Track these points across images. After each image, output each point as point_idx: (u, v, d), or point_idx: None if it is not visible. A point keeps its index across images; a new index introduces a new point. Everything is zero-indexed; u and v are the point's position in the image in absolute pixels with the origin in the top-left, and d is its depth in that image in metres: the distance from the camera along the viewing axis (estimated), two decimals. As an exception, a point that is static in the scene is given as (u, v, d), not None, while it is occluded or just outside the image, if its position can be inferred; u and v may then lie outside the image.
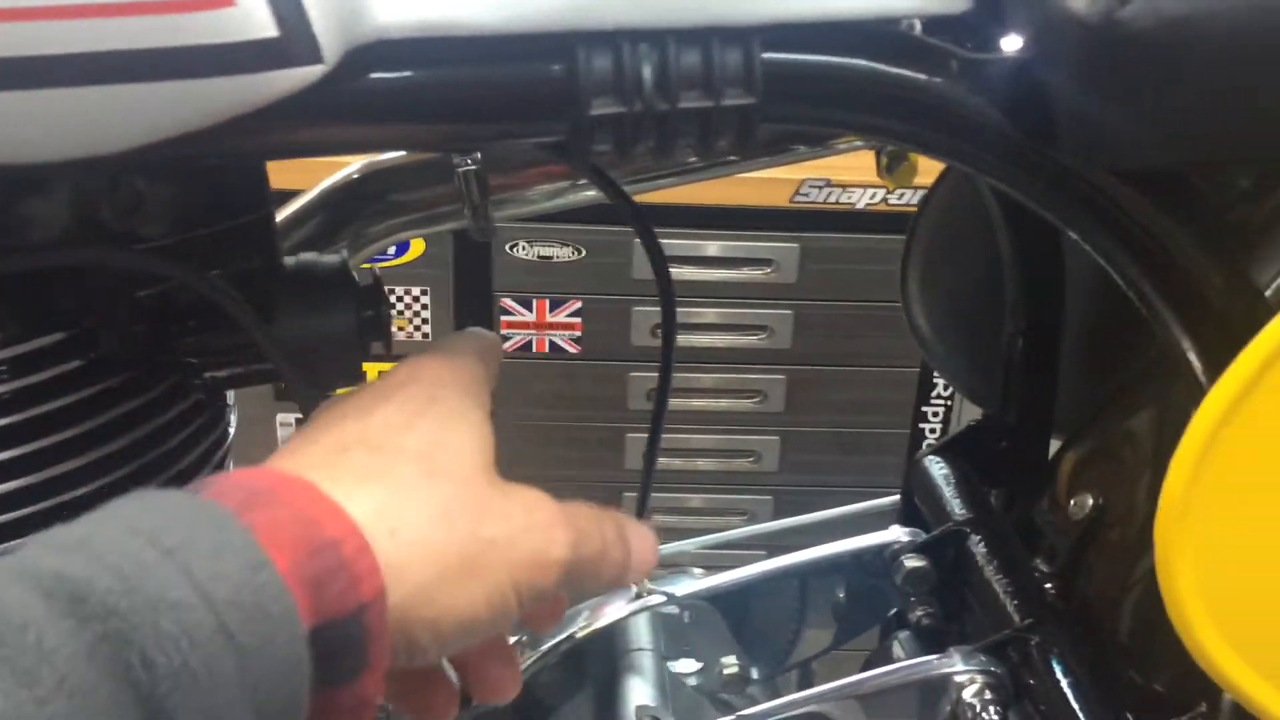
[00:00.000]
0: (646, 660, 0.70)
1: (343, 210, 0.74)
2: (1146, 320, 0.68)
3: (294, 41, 0.39)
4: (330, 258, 0.59)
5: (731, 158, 0.78)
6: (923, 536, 0.71)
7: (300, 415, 1.69)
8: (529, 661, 0.75)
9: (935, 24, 0.47)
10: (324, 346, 0.56)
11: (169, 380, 0.54)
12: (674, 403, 2.00)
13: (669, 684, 0.70)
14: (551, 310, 1.77)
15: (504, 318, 1.78)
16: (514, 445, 1.84)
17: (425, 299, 1.74)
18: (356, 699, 0.36)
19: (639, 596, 0.73)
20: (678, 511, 1.88)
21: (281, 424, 1.79)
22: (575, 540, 0.43)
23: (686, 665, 0.72)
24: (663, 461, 2.05)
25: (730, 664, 0.71)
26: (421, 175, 0.75)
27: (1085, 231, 0.46)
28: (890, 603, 0.75)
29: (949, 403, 1.88)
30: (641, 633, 0.72)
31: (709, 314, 1.78)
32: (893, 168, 0.78)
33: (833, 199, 1.72)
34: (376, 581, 0.36)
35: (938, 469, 0.76)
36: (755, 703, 0.67)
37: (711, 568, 0.79)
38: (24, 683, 0.28)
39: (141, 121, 0.38)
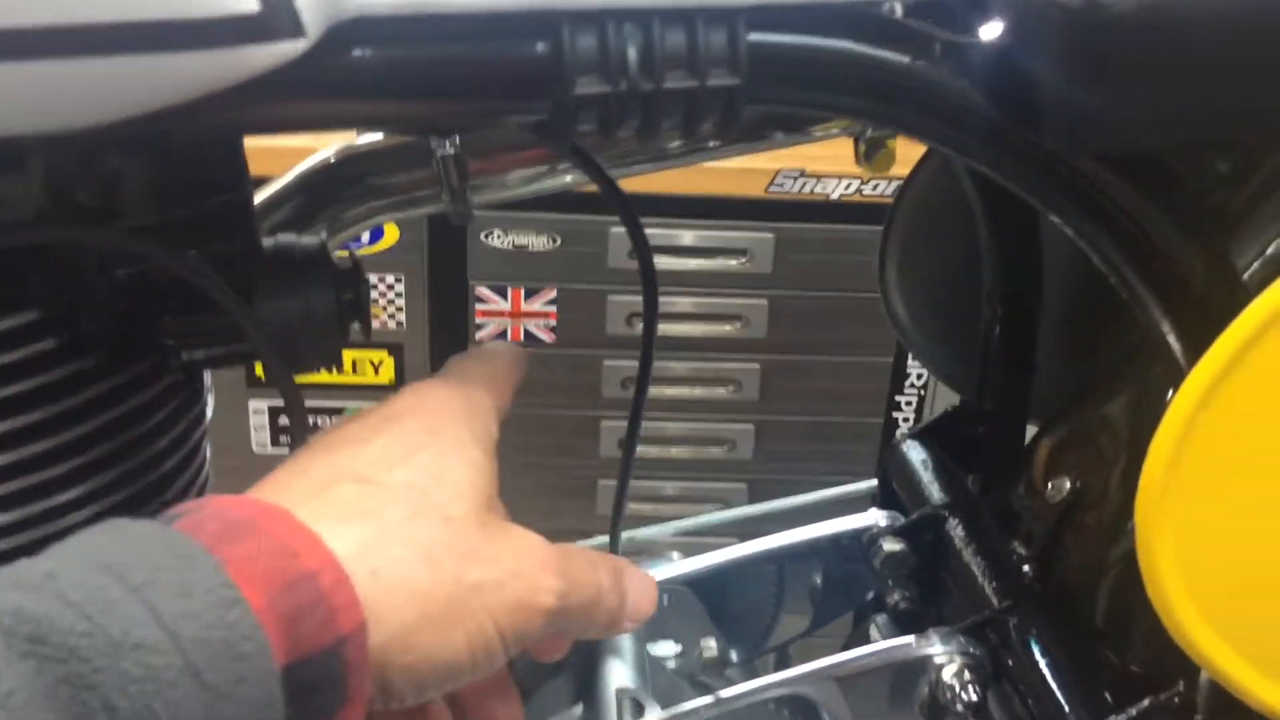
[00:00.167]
0: (625, 643, 0.70)
1: (320, 193, 0.73)
2: (1123, 307, 0.69)
3: (275, 16, 0.38)
4: (309, 240, 0.58)
5: (711, 144, 0.78)
6: (901, 520, 0.72)
7: (274, 404, 1.67)
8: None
9: (918, 7, 0.47)
10: (303, 328, 0.55)
11: (145, 361, 0.53)
12: (649, 391, 2.01)
13: (648, 666, 0.70)
14: (526, 299, 1.77)
15: (479, 306, 1.77)
16: (488, 434, 1.83)
17: (400, 286, 1.73)
18: None
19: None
20: (652, 499, 1.88)
21: (254, 411, 1.77)
22: (565, 589, 0.42)
23: (665, 648, 0.72)
24: (638, 449, 2.06)
25: (709, 647, 0.71)
26: (399, 159, 0.74)
27: (1067, 215, 0.47)
28: (867, 587, 0.75)
29: (922, 392, 1.89)
30: (620, 617, 0.72)
31: (684, 303, 1.78)
32: (870, 155, 0.79)
33: (807, 189, 1.72)
34: (356, 614, 0.36)
35: (915, 454, 0.76)
36: (734, 685, 0.67)
37: (688, 554, 0.79)
38: None
39: (119, 96, 0.37)
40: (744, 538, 0.76)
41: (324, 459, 0.41)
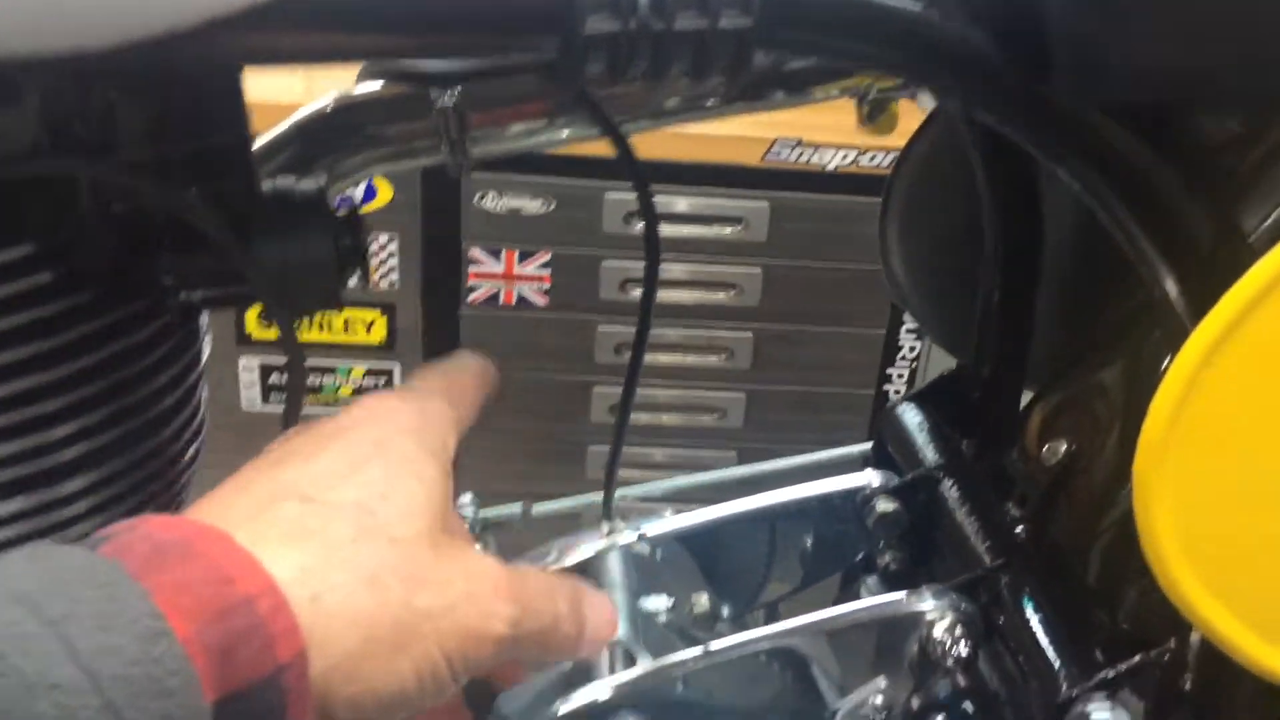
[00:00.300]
0: (618, 596, 0.70)
1: (316, 142, 0.72)
2: (1121, 274, 0.69)
3: (281, -57, 0.38)
4: (308, 184, 0.58)
5: (710, 102, 0.77)
6: (895, 480, 0.72)
7: (264, 362, 1.66)
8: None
9: (931, -46, 0.47)
10: (301, 272, 0.55)
11: (142, 300, 0.53)
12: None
13: (639, 620, 0.70)
14: (520, 262, 1.76)
15: (472, 268, 1.76)
16: (479, 397, 1.83)
17: (393, 246, 1.73)
18: None
19: (610, 534, 0.73)
20: (641, 466, 1.88)
21: (244, 369, 1.77)
22: (519, 616, 0.40)
23: (657, 602, 0.72)
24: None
25: (700, 602, 0.72)
26: (397, 109, 0.73)
27: (1073, 169, 0.46)
28: (858, 548, 0.75)
29: (914, 365, 1.89)
30: (612, 569, 0.72)
31: (677, 270, 1.78)
32: (873, 116, 0.78)
33: (804, 159, 1.72)
34: (295, 641, 0.34)
35: (910, 417, 0.76)
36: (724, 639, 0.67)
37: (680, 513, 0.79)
38: None
39: (122, 17, 0.37)
40: (737, 499, 0.77)
41: (267, 475, 0.39)
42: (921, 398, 0.78)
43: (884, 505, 0.71)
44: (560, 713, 0.62)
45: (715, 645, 0.63)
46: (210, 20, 0.38)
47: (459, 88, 0.70)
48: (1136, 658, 0.54)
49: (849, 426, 1.87)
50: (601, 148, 1.85)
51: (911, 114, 0.81)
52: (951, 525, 0.68)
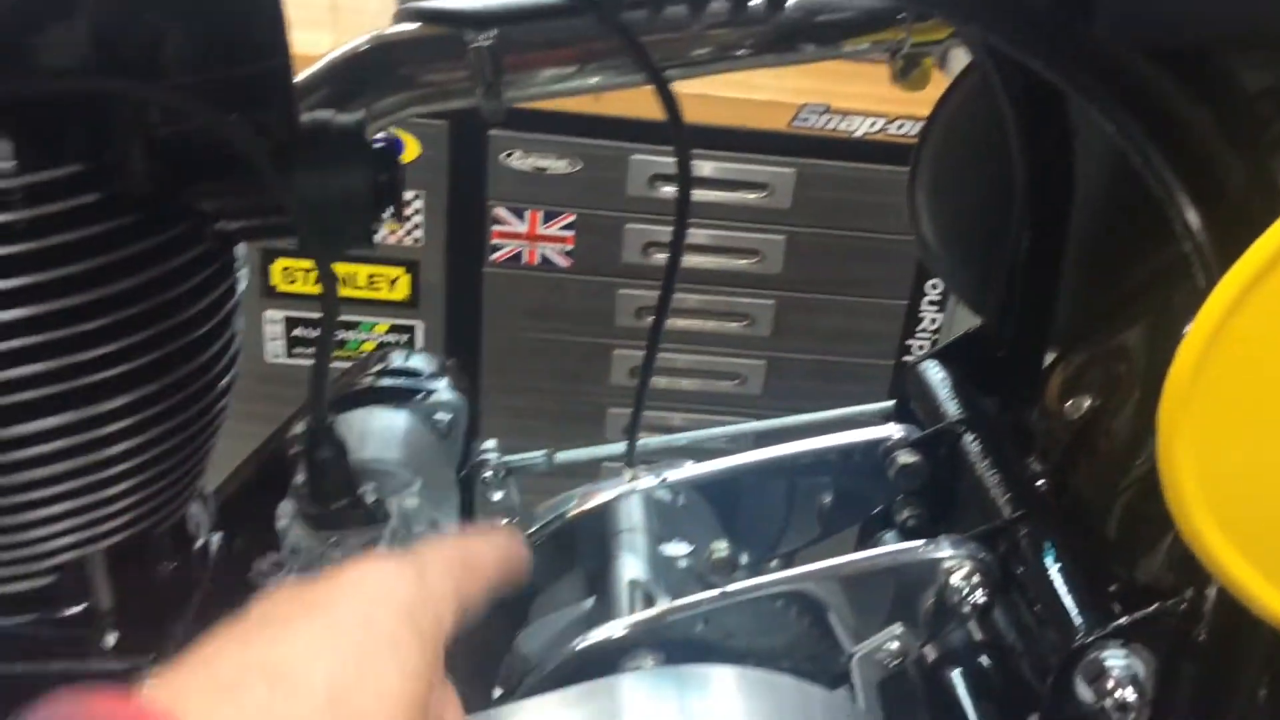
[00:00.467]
0: (638, 539, 0.71)
1: (352, 82, 0.73)
2: (1149, 234, 0.69)
3: None
4: (346, 117, 0.58)
5: (740, 51, 0.77)
6: (917, 433, 0.72)
7: (289, 314, 1.67)
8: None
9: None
10: (338, 205, 0.56)
11: (181, 226, 0.53)
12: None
13: (660, 564, 0.71)
14: (544, 222, 1.77)
15: (495, 227, 1.77)
16: (501, 356, 1.84)
17: (418, 204, 1.73)
18: None
19: (631, 480, 0.74)
20: (660, 430, 1.88)
21: (269, 322, 1.78)
22: None
23: (677, 548, 0.73)
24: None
25: (720, 548, 0.72)
26: (432, 49, 0.74)
27: (1109, 110, 0.46)
28: (877, 502, 0.76)
29: (936, 337, 1.89)
30: (633, 513, 0.73)
31: (700, 235, 1.78)
32: (906, 72, 0.78)
33: (831, 125, 1.71)
34: None
35: (934, 373, 0.77)
36: (742, 584, 0.68)
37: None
38: None
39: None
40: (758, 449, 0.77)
41: (236, 648, 0.36)
42: (945, 355, 0.78)
43: (905, 457, 0.72)
44: (578, 648, 0.63)
45: (731, 587, 0.64)
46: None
47: (495, 30, 0.70)
48: (1153, 606, 0.55)
49: (869, 396, 1.86)
50: (629, 108, 1.84)
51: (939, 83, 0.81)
52: (972, 478, 0.68)
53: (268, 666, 0.35)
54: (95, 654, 0.61)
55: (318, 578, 0.40)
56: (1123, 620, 0.55)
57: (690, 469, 0.75)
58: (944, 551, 0.62)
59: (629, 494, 0.74)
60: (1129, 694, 0.53)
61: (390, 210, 0.59)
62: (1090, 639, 0.55)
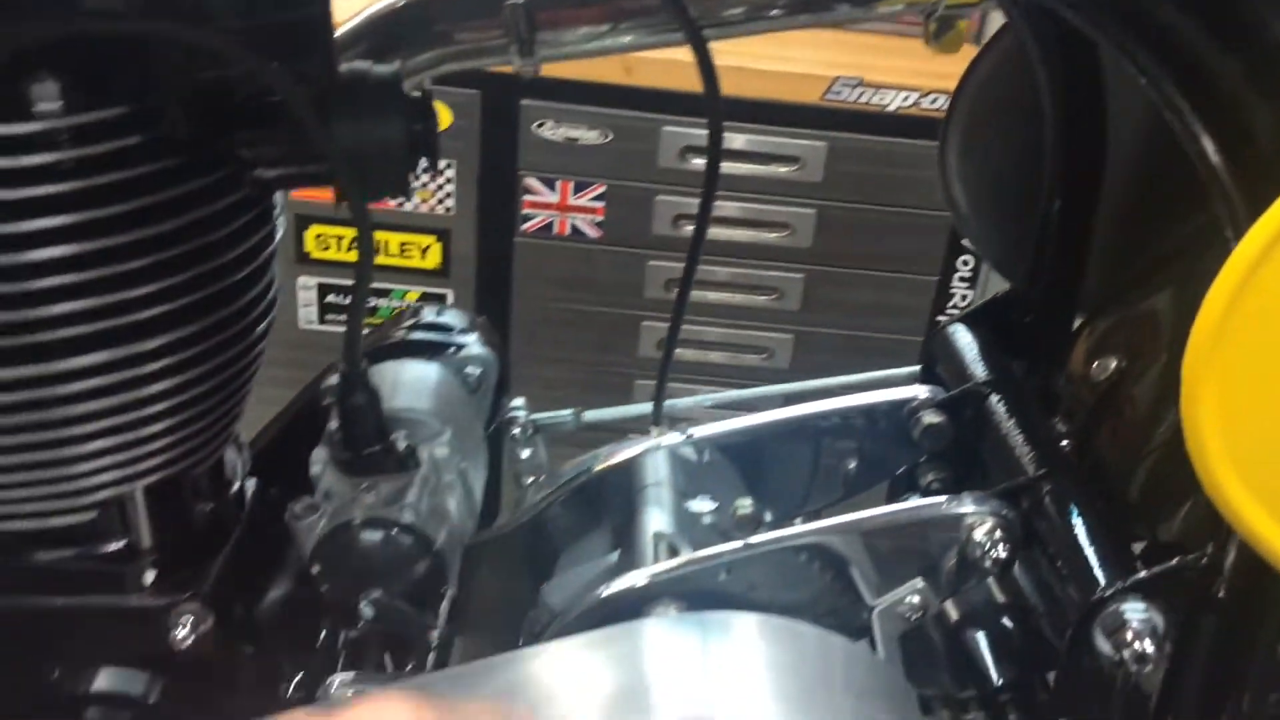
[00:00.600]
0: (664, 494, 0.72)
1: (388, 36, 0.74)
2: (1178, 200, 0.69)
3: None
4: (383, 68, 0.59)
5: (774, 11, 0.77)
6: (943, 394, 0.73)
7: (323, 281, 1.69)
8: (545, 494, 0.77)
9: None
10: (374, 154, 0.57)
11: (221, 171, 0.55)
12: (689, 296, 2.00)
13: (685, 519, 0.72)
14: (575, 193, 1.77)
15: (526, 197, 1.78)
16: (530, 326, 1.85)
17: (450, 172, 1.74)
18: None
19: (658, 436, 0.75)
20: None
21: (303, 288, 1.80)
22: None
23: (702, 504, 0.73)
24: (676, 353, 2.06)
25: (744, 505, 0.73)
26: (468, 7, 0.74)
27: (1136, 57, 0.46)
28: (902, 463, 0.76)
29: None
30: (659, 469, 0.74)
31: (731, 208, 1.78)
32: (940, 35, 0.78)
33: (864, 99, 1.71)
34: None
35: (961, 336, 0.77)
36: (766, 540, 0.68)
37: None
38: None
39: None
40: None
41: None
42: (972, 319, 0.78)
43: (930, 418, 0.72)
44: (602, 595, 0.64)
45: (755, 539, 0.64)
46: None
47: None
48: (1174, 561, 0.55)
49: (896, 371, 1.87)
50: (661, 79, 1.84)
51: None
52: (996, 438, 0.69)
53: None
54: (134, 591, 0.62)
55: None
56: (1143, 575, 0.55)
57: (715, 426, 0.76)
58: (967, 507, 0.63)
59: (655, 450, 0.75)
60: (1147, 646, 0.54)
61: (425, 161, 0.60)
62: (1110, 592, 0.55)
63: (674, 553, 0.68)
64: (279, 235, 0.63)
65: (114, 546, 0.62)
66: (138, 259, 0.52)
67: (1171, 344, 0.65)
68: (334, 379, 0.67)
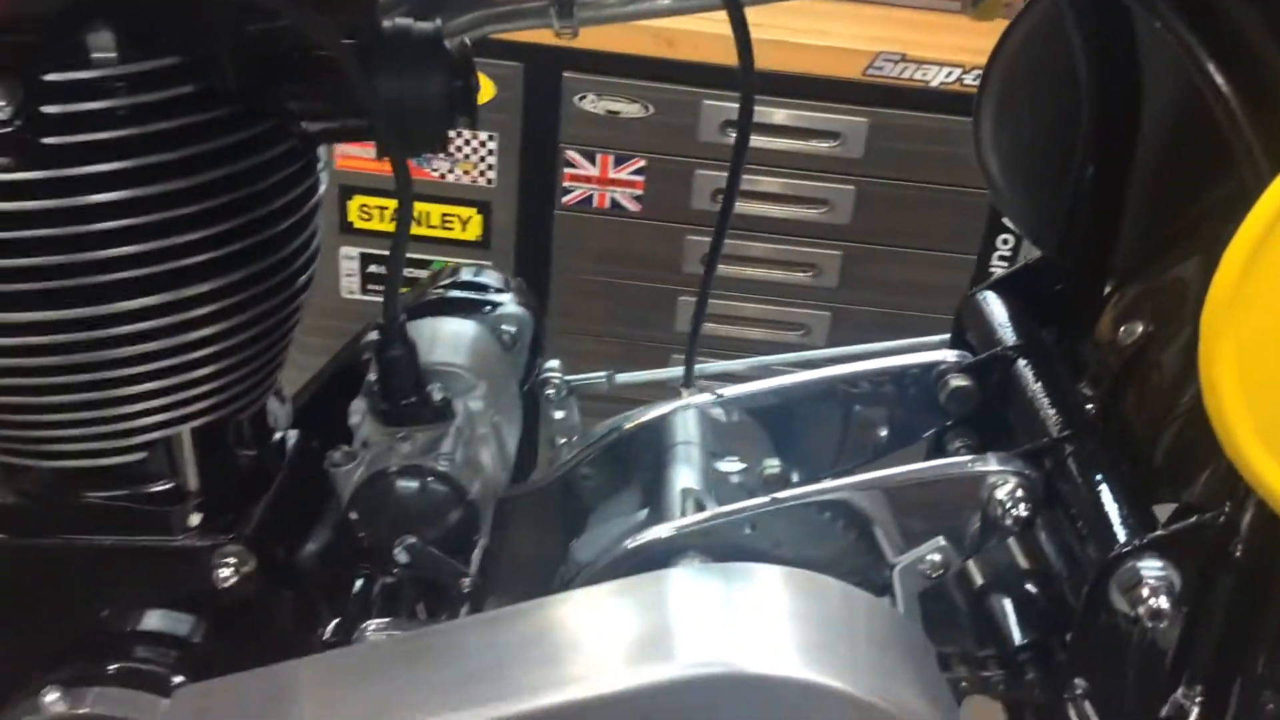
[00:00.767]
0: (693, 452, 0.73)
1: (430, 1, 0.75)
2: (1209, 167, 0.69)
3: None
4: (425, 25, 0.61)
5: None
6: (970, 359, 0.73)
7: (365, 251, 1.71)
8: (576, 452, 0.79)
9: None
10: (414, 108, 0.58)
11: (267, 123, 0.57)
12: (726, 270, 2.01)
13: (713, 478, 0.73)
14: (615, 166, 1.78)
15: (567, 170, 1.79)
16: (567, 298, 1.87)
17: (492, 144, 1.76)
18: None
19: (688, 396, 0.76)
20: (723, 378, 1.91)
21: (345, 258, 1.83)
22: None
23: (730, 464, 0.75)
24: (711, 328, 2.07)
25: (772, 465, 0.74)
26: (509, -30, 0.76)
27: (1160, 12, 0.47)
28: (930, 427, 0.77)
29: (1003, 292, 1.88)
30: (689, 428, 0.75)
31: (769, 183, 1.78)
32: (977, 2, 0.78)
33: (907, 74, 1.70)
34: None
35: (991, 302, 0.78)
36: (792, 498, 0.69)
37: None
38: None
39: None
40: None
41: None
42: (1002, 286, 0.79)
43: (957, 381, 0.73)
44: (629, 546, 0.66)
45: (781, 494, 0.66)
46: None
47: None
48: (1192, 518, 0.56)
49: (933, 349, 1.86)
50: (702, 53, 1.83)
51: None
52: (1022, 401, 0.69)
53: None
54: (180, 531, 0.65)
55: None
56: (1160, 532, 0.56)
57: (744, 387, 0.77)
58: (990, 466, 0.63)
59: (685, 409, 0.76)
60: (1163, 603, 0.54)
61: (465, 118, 0.62)
62: (1127, 549, 0.56)
63: (701, 509, 0.70)
64: (322, 190, 0.64)
65: (161, 487, 0.64)
66: (187, 205, 0.54)
67: (1197, 310, 0.66)
68: (373, 335, 0.69)
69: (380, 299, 0.60)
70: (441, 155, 1.72)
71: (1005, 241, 1.82)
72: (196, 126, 0.53)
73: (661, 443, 0.76)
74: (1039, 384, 0.69)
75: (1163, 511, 0.61)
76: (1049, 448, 0.64)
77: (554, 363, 0.87)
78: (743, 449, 0.78)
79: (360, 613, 0.67)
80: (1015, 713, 0.71)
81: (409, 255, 1.92)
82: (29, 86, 0.50)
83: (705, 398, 0.76)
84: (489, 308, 0.80)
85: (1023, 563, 0.71)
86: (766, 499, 0.66)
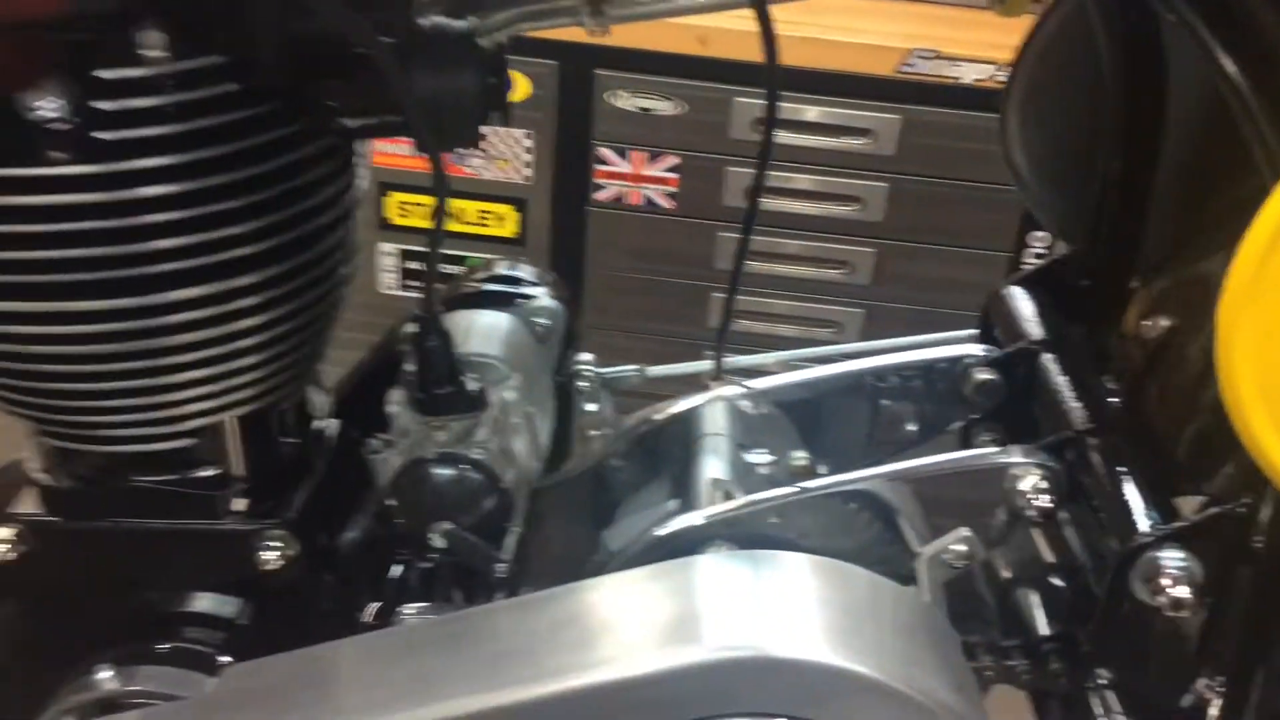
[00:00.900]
0: (722, 443, 0.75)
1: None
2: (1234, 161, 0.69)
3: None
4: (460, 23, 0.62)
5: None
6: (997, 353, 0.74)
7: (404, 247, 1.74)
8: (607, 445, 0.81)
9: None
10: (449, 104, 0.60)
11: (310, 118, 0.58)
12: (759, 267, 2.02)
13: (741, 468, 0.74)
14: (648, 163, 1.80)
15: (599, 167, 1.81)
16: (600, 294, 1.89)
17: (529, 142, 1.78)
18: None
19: (716, 388, 0.78)
20: (754, 374, 1.92)
21: (384, 254, 1.85)
22: None
23: (758, 456, 0.76)
24: (743, 324, 2.07)
25: (799, 458, 0.76)
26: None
27: (1176, 7, 0.48)
28: (953, 420, 0.78)
29: (1036, 289, 1.87)
30: (717, 419, 0.77)
31: (802, 180, 1.79)
32: (1005, -2, 0.79)
33: (939, 71, 1.70)
34: None
35: (1017, 297, 0.79)
36: (819, 489, 0.70)
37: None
38: None
39: None
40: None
41: None
42: (1029, 281, 0.80)
43: (983, 374, 0.74)
44: (658, 535, 0.67)
45: (808, 484, 0.67)
46: None
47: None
48: (1213, 509, 0.56)
49: (965, 346, 1.86)
50: (734, 51, 1.84)
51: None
52: (1047, 395, 0.70)
53: None
54: (225, 515, 0.67)
55: None
56: (1181, 523, 0.57)
57: (772, 380, 0.79)
58: (1013, 458, 0.64)
59: (714, 401, 0.78)
60: (1184, 592, 0.55)
61: (498, 113, 0.63)
62: (1148, 540, 0.57)
63: (729, 498, 0.71)
64: (362, 185, 0.66)
65: (207, 473, 0.66)
66: (232, 199, 0.56)
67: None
68: (411, 327, 0.71)
69: (418, 294, 0.62)
70: (477, 152, 1.74)
71: (1039, 239, 1.82)
72: (241, 123, 0.55)
73: (691, 434, 0.77)
74: (1064, 378, 0.70)
75: (1185, 504, 0.62)
76: (1072, 440, 0.65)
77: (586, 356, 0.88)
78: (771, 441, 0.79)
79: (398, 596, 0.69)
80: (1039, 702, 0.72)
81: (445, 251, 1.94)
82: (83, 84, 0.53)
83: (734, 390, 0.78)
84: (523, 301, 0.82)
85: (1047, 554, 0.72)
86: (794, 488, 0.67)
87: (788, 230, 1.82)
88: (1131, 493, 0.61)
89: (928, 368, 0.76)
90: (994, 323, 0.80)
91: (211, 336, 0.59)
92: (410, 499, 0.68)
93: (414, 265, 1.87)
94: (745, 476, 0.75)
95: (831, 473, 0.80)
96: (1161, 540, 0.57)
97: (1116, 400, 0.68)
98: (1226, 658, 0.59)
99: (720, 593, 0.60)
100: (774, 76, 0.65)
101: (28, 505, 0.67)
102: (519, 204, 1.84)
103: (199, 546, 0.67)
